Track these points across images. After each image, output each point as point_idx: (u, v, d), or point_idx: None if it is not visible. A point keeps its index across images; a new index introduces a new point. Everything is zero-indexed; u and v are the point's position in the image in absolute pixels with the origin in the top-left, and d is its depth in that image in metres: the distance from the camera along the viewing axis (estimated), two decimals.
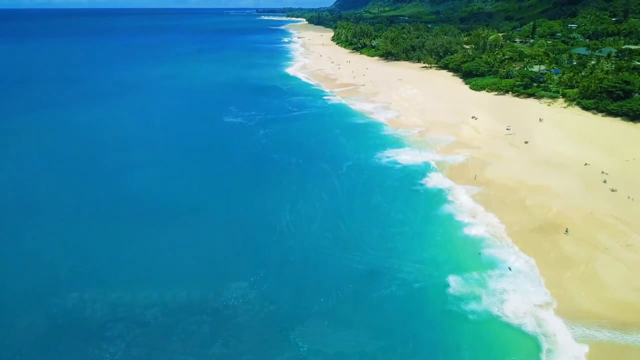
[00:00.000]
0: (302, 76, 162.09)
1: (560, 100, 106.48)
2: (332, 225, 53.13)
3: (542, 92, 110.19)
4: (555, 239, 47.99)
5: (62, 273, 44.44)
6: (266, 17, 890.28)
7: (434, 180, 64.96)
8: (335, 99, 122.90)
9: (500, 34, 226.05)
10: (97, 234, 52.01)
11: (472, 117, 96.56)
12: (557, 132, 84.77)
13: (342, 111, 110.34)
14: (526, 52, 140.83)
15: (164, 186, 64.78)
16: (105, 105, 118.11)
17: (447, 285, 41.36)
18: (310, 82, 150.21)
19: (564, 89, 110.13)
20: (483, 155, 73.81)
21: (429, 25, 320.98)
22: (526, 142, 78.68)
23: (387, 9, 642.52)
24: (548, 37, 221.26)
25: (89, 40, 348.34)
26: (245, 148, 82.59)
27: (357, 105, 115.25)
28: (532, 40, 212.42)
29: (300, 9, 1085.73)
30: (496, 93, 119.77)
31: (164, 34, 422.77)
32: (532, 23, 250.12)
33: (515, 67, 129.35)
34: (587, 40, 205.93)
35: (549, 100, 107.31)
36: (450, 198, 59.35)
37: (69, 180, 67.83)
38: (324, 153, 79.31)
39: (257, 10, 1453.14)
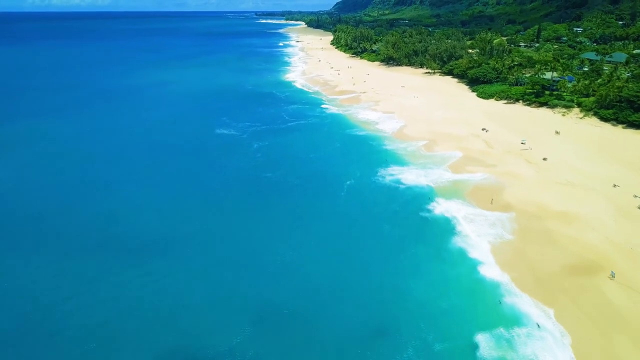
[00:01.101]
0: (300, 83, 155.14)
1: (576, 109, 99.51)
2: (333, 265, 45.89)
3: (556, 101, 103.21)
4: (595, 284, 40.73)
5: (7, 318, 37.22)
6: (265, 21, 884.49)
7: (442, 206, 57.43)
8: (334, 108, 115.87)
9: (504, 38, 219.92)
10: (57, 269, 44.77)
11: (483, 129, 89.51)
12: (577, 146, 77.71)
13: (341, 122, 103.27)
14: (535, 58, 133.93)
15: (140, 212, 57.40)
16: (89, 115, 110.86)
17: (474, 347, 34.11)
18: (309, 89, 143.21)
19: (578, 97, 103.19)
20: (498, 175, 66.63)
21: (430, 29, 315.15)
22: (545, 159, 71.53)
23: (386, 12, 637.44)
24: (553, 41, 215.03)
25: (84, 44, 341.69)
26: (236, 165, 75.38)
27: (358, 114, 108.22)
28: (537, 45, 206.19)
29: (300, 12, 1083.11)
30: (506, 101, 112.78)
31: (162, 37, 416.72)
32: (536, 27, 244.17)
33: (524, 73, 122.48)
34: (595, 44, 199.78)
35: (564, 110, 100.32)
36: (461, 228, 51.68)
37: (36, 201, 60.50)
38: (322, 171, 72.20)
39: (256, 13, 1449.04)
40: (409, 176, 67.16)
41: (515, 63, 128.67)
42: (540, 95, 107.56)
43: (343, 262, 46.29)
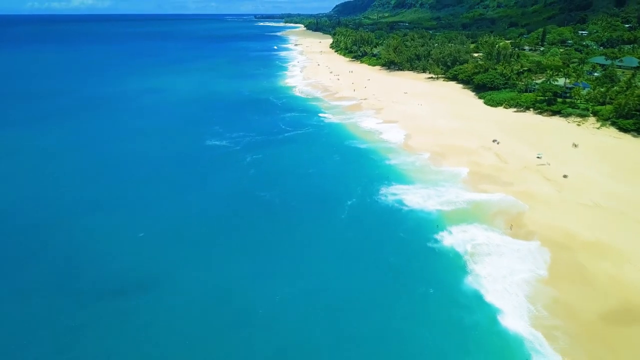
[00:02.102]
0: (298, 88, 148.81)
1: (591, 119, 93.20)
2: (332, 307, 39.39)
3: (570, 110, 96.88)
4: None
5: None
6: (264, 23, 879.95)
7: (453, 236, 49.92)
8: (334, 116, 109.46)
9: (508, 41, 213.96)
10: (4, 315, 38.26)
11: (493, 141, 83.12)
12: (598, 161, 71.27)
13: (341, 132, 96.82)
14: (544, 63, 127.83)
15: (112, 242, 50.65)
16: (71, 125, 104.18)
17: None
18: (307, 96, 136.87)
19: (594, 106, 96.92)
20: (515, 195, 60.10)
21: (431, 32, 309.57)
22: (565, 176, 65.05)
23: (386, 14, 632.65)
24: (558, 44, 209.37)
25: (80, 47, 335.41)
26: (226, 182, 68.79)
27: (359, 123, 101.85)
28: (542, 48, 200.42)
29: (299, 14, 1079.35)
30: (515, 110, 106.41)
31: (159, 41, 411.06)
32: (540, 30, 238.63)
33: (534, 79, 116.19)
34: (602, 48, 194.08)
35: (578, 119, 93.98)
36: (474, 266, 44.18)
37: None
38: (321, 189, 65.64)
39: (255, 16, 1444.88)
40: (415, 197, 60.29)
41: (525, 68, 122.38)
42: (553, 103, 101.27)
43: (343, 304, 39.79)
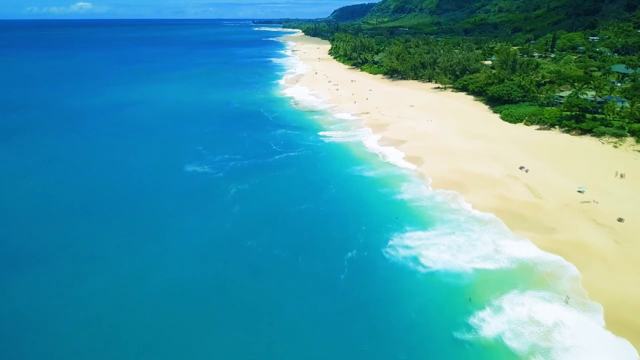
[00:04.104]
0: (292, 100, 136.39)
1: (630, 139, 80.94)
2: None
3: (602, 128, 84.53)
4: None
5: None
6: (262, 28, 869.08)
7: (499, 316, 36.44)
8: (332, 134, 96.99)
9: (515, 48, 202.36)
10: None
11: (521, 168, 70.67)
12: None
13: (340, 154, 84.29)
14: (564, 72, 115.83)
15: (53, 319, 37.93)
16: (28, 145, 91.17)
17: None
18: (303, 109, 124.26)
19: (629, 123, 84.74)
20: (562, 247, 47.53)
21: (432, 37, 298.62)
22: (620, 220, 52.48)
23: (385, 19, 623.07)
24: (569, 51, 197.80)
25: (71, 53, 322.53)
26: (204, 226, 55.88)
27: (361, 144, 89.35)
28: (553, 55, 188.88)
29: (297, 20, 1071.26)
30: (538, 127, 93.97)
31: (154, 46, 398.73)
32: (549, 35, 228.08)
33: (556, 91, 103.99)
34: (616, 55, 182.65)
35: (614, 140, 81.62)
36: None
37: None
38: (316, 234, 53.20)
39: (253, 21, 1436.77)
40: (436, 252, 47.23)
41: (546, 79, 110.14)
42: (582, 120, 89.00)
43: None
